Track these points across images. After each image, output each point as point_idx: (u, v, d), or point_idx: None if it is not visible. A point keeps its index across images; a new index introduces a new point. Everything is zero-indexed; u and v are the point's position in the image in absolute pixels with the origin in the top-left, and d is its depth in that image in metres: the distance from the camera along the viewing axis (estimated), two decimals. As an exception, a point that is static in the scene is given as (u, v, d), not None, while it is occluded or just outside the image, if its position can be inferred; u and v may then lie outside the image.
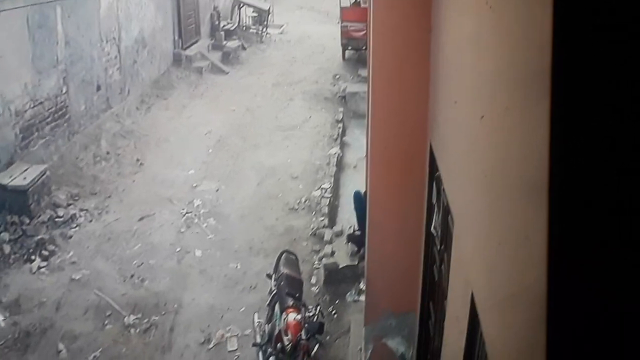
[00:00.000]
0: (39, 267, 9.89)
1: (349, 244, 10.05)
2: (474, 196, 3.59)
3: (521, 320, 2.50)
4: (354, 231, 10.04)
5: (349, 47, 20.74)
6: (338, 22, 21.69)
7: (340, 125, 15.93)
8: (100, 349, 8.31)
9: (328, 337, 8.25)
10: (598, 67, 1.95)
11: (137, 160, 13.88)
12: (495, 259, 3.09)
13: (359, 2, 20.37)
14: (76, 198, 11.92)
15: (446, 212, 4.52)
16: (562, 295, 2.10)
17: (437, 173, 4.91)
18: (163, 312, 9.07)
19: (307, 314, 7.53)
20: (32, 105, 12.18)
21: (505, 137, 2.90)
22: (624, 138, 1.96)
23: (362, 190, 9.63)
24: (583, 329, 2.06)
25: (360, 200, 9.95)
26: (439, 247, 4.89)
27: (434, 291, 5.17)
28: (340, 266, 9.69)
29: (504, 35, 2.92)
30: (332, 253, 10.03)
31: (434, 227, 5.06)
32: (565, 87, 2.03)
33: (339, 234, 10.54)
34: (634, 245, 2.03)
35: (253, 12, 25.09)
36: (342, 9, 21.05)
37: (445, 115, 4.68)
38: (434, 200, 5.13)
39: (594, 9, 1.92)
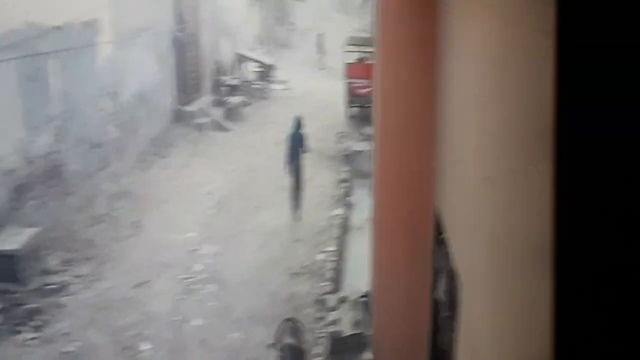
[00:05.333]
0: (29, 339, 9.76)
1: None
2: (481, 260, 3.62)
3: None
4: None
5: (354, 104, 21.00)
6: (342, 79, 22.01)
7: (345, 185, 15.99)
8: None
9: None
10: (602, 128, 2.02)
11: (134, 222, 13.88)
12: (502, 326, 3.11)
13: (364, 58, 20.70)
14: (70, 264, 11.86)
15: (452, 276, 4.54)
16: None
17: (442, 235, 4.95)
18: (160, 389, 8.98)
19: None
20: (24, 164, 12.14)
21: (510, 199, 2.96)
22: (631, 203, 2.01)
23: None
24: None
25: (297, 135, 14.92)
26: (445, 313, 4.90)
27: (441, 361, 5.15)
28: (345, 335, 9.61)
29: (508, 93, 3.01)
30: (337, 321, 9.96)
31: (441, 293, 5.07)
32: (569, 148, 2.09)
33: (343, 300, 10.48)
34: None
35: (257, 66, 25.49)
36: (346, 65, 21.43)
37: (451, 175, 4.75)
38: (440, 264, 5.15)
39: (595, 68, 2.01)
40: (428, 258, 5.70)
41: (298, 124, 15.17)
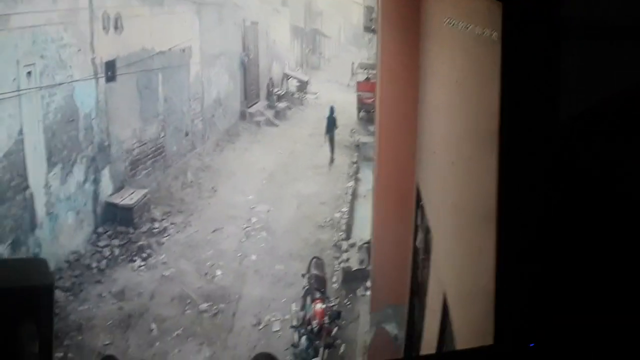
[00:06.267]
0: (139, 266, 9.85)
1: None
2: (447, 220, 3.60)
3: (477, 311, 2.51)
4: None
5: (362, 110, 20.83)
6: (354, 92, 21.85)
7: (355, 165, 15.90)
8: (182, 329, 8.27)
9: (344, 322, 8.12)
10: (533, 131, 2.00)
11: (212, 187, 13.87)
12: (460, 266, 3.10)
13: (369, 78, 20.56)
14: (168, 215, 11.86)
15: (427, 231, 4.51)
16: (505, 294, 2.12)
17: (421, 203, 4.91)
18: (227, 301, 8.99)
19: (329, 304, 7.49)
20: (138, 145, 12.17)
21: (468, 178, 2.92)
22: (551, 185, 2.00)
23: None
24: (520, 318, 2.08)
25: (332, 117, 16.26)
26: (421, 256, 4.87)
27: (418, 289, 5.13)
28: (353, 269, 9.60)
29: (468, 103, 2.97)
30: (348, 259, 9.94)
31: (419, 242, 5.04)
32: (508, 144, 2.07)
33: (352, 245, 10.45)
34: (558, 260, 2.04)
35: (296, 82, 25.36)
36: (357, 82, 21.40)
37: (427, 161, 4.70)
38: (419, 222, 5.12)
39: (530, 89, 1.98)
40: (411, 217, 5.66)
41: (332, 110, 16.86)
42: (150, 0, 12.35)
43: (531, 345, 1.96)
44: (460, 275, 3.08)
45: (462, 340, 2.90)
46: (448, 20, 3.34)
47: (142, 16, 11.78)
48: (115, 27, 10.96)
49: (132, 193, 11.23)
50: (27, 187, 8.52)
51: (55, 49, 9.17)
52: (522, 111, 2.06)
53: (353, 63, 26.03)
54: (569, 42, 1.95)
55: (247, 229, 11.65)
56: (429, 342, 4.07)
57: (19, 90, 8.12)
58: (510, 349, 2.19)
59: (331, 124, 16.70)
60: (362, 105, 20.95)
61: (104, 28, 10.59)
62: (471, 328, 2.72)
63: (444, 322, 3.46)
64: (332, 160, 16.19)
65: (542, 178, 2.08)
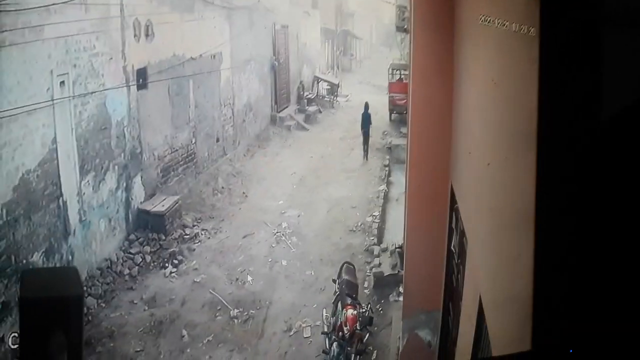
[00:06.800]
0: (171, 272, 10.03)
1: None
2: (482, 223, 3.54)
3: (514, 317, 2.46)
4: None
5: (394, 112, 20.77)
6: (386, 93, 21.76)
7: (387, 168, 15.84)
8: (213, 335, 8.36)
9: (376, 328, 8.09)
10: (570, 130, 1.95)
11: (243, 193, 14.07)
12: (497, 270, 3.04)
13: (402, 78, 20.45)
14: (199, 221, 12.11)
15: (462, 234, 4.45)
16: (543, 299, 2.06)
17: (456, 205, 4.84)
18: (258, 307, 9.07)
19: (361, 310, 7.45)
20: (170, 152, 12.41)
21: (504, 180, 2.87)
22: (591, 186, 1.95)
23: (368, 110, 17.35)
24: (559, 323, 2.03)
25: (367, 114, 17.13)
26: (456, 260, 4.80)
27: (452, 294, 5.06)
28: (385, 274, 9.54)
29: (504, 102, 2.92)
30: (379, 264, 9.88)
31: (453, 246, 4.98)
32: (547, 143, 2.02)
33: (384, 250, 10.39)
34: (598, 265, 1.98)
35: (327, 85, 25.47)
36: (389, 83, 21.29)
37: (462, 162, 4.64)
38: (454, 226, 5.05)
39: (569, 87, 1.93)
40: (445, 221, 5.59)
41: (367, 107, 17.60)
42: (181, 7, 12.56)
43: (571, 351, 1.88)
44: (497, 280, 3.02)
45: (499, 346, 2.84)
46: (483, 17, 3.29)
47: (173, 23, 11.99)
48: (146, 35, 11.19)
49: (163, 200, 11.46)
50: (60, 195, 8.74)
51: (87, 58, 9.43)
52: (561, 110, 2.00)
53: (390, 66, 26.16)
54: (612, 36, 1.88)
55: (278, 234, 11.77)
56: (463, 349, 4.00)
57: (52, 100, 8.34)
58: (549, 355, 2.11)
59: (366, 120, 17.17)
60: (394, 106, 20.96)
61: (135, 36, 10.83)
62: (508, 334, 2.65)
63: (480, 328, 3.40)
64: (366, 158, 16.52)
65: (582, 180, 2.01)
